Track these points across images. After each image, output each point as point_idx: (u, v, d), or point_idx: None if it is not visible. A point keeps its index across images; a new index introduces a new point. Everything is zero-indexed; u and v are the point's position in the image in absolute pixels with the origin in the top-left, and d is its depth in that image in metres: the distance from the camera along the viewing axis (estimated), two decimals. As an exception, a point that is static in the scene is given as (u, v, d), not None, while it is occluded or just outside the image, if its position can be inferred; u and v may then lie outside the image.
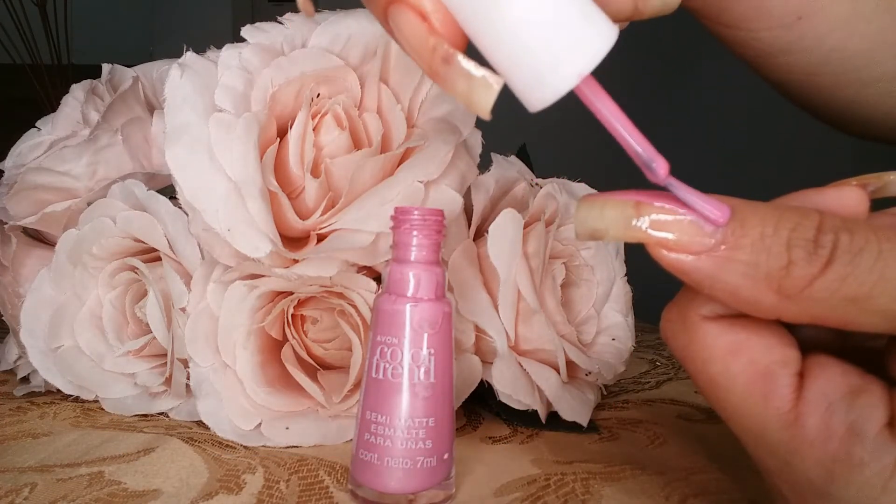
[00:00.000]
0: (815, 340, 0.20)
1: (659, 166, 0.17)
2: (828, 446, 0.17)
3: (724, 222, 0.17)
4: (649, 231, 0.17)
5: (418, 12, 0.18)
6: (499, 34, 0.17)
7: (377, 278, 0.32)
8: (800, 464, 0.17)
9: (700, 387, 0.19)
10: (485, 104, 0.17)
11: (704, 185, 0.18)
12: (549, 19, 0.16)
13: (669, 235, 0.17)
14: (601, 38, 0.17)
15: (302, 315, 0.35)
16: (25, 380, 0.40)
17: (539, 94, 0.17)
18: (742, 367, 0.18)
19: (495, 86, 0.17)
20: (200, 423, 0.34)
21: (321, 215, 0.32)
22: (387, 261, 0.27)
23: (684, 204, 0.17)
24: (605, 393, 0.41)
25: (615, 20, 0.18)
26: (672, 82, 1.87)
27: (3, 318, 0.40)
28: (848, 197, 0.19)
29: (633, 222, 0.18)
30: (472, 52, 0.18)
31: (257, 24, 0.34)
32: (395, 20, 0.18)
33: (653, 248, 0.18)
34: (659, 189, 0.18)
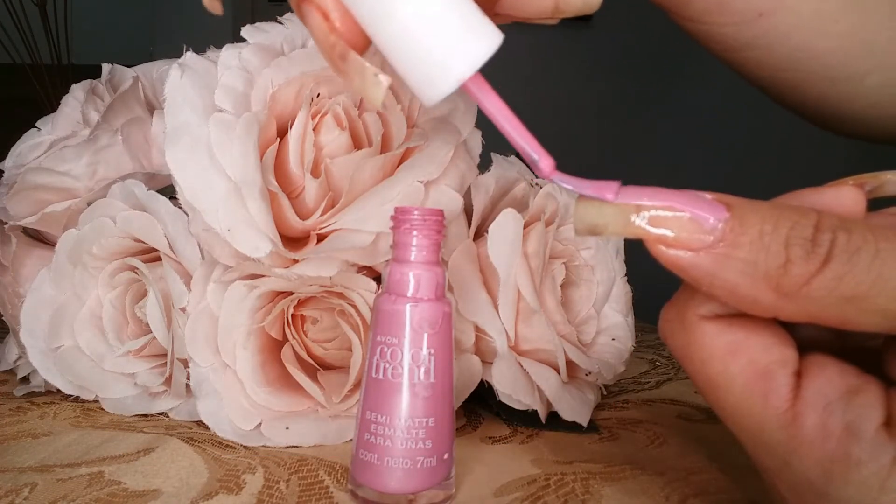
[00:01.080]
0: (813, 340, 0.20)
1: (543, 162, 0.19)
2: (826, 446, 0.17)
3: (613, 197, 0.18)
4: (648, 227, 0.17)
5: (321, 11, 0.19)
6: (390, 38, 0.19)
7: (377, 278, 0.32)
8: (798, 463, 0.17)
9: (699, 386, 0.19)
10: (375, 98, 0.19)
11: (703, 185, 0.18)
12: (431, 28, 0.18)
13: (668, 232, 0.17)
14: (483, 43, 0.19)
15: (302, 315, 0.35)
16: (25, 380, 0.40)
17: (428, 94, 0.19)
18: (740, 367, 0.18)
19: (384, 83, 0.19)
20: (200, 423, 0.34)
21: (321, 215, 0.32)
22: (387, 261, 0.27)
23: (678, 195, 0.18)
24: (605, 393, 0.41)
25: (537, 18, 0.20)
26: (671, 80, 1.87)
27: (3, 318, 0.40)
28: (845, 196, 0.19)
29: (633, 218, 0.18)
30: None
31: (257, 24, 0.34)
32: (303, 17, 0.20)
33: (651, 245, 0.18)
34: (658, 185, 0.18)
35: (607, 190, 0.18)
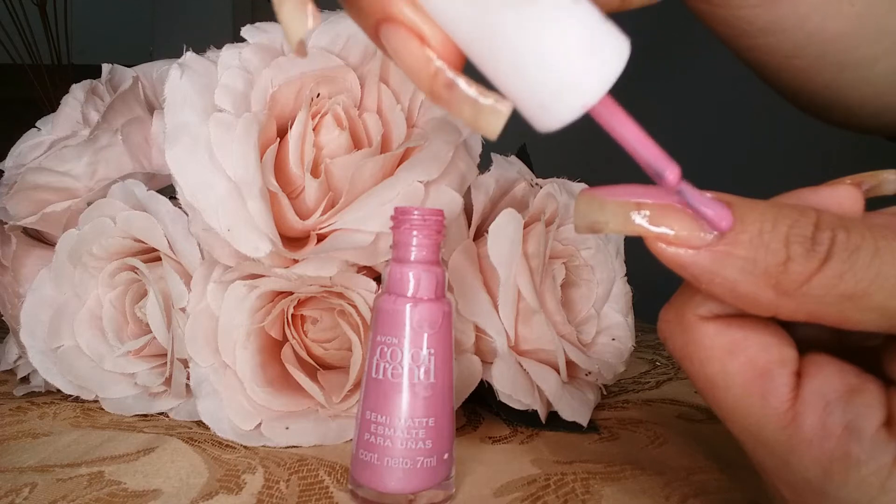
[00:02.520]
0: (812, 340, 0.20)
1: (670, 173, 0.17)
2: (825, 445, 0.17)
3: (728, 228, 0.17)
4: (648, 225, 0.18)
5: (416, 35, 0.16)
6: (502, 61, 0.16)
7: (377, 278, 0.32)
8: (797, 463, 0.17)
9: (698, 387, 0.19)
10: (493, 129, 0.16)
11: (703, 183, 0.18)
12: (554, 51, 0.16)
13: (669, 230, 0.17)
14: (609, 63, 0.16)
15: (302, 315, 0.35)
16: (25, 380, 0.40)
17: (546, 121, 0.16)
18: (740, 367, 0.18)
19: (504, 111, 0.16)
20: (200, 423, 0.34)
21: (321, 215, 0.32)
22: (387, 261, 0.27)
23: (679, 194, 0.17)
24: (605, 393, 0.41)
25: (604, 11, 0.17)
26: (671, 79, 1.87)
27: (3, 318, 0.40)
28: (843, 195, 0.19)
29: (633, 216, 0.18)
30: (471, 68, 0.17)
31: (257, 24, 0.34)
32: (389, 41, 0.17)
33: (651, 242, 0.18)
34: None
35: (725, 220, 0.17)
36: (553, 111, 0.16)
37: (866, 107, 0.34)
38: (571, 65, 0.16)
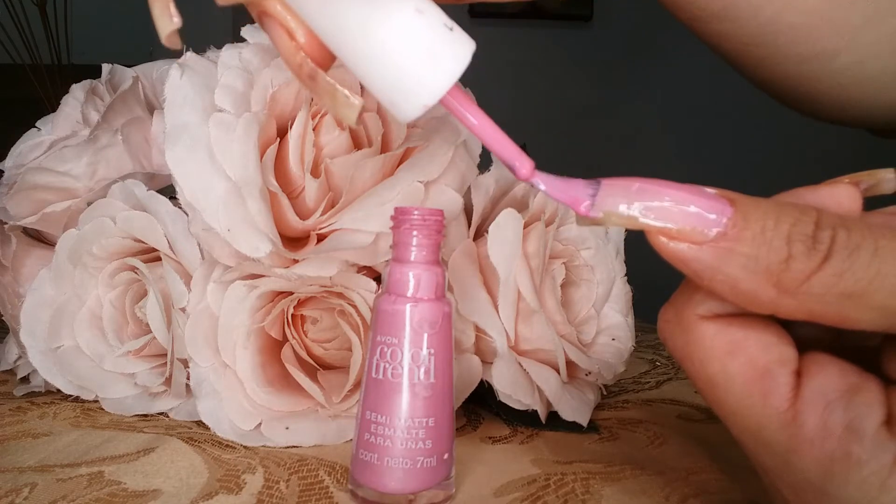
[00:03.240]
0: (812, 339, 0.20)
1: (521, 166, 0.19)
2: (826, 445, 0.17)
3: (586, 211, 0.18)
4: (651, 220, 0.18)
5: (285, 29, 0.18)
6: (358, 58, 0.18)
7: (377, 278, 0.32)
8: (798, 463, 0.17)
9: (698, 386, 0.19)
10: (349, 118, 0.18)
11: (703, 182, 0.18)
12: (401, 48, 0.18)
13: (671, 225, 0.17)
14: (456, 57, 0.18)
15: (302, 315, 0.35)
16: (25, 380, 0.40)
17: (400, 115, 0.19)
18: (740, 367, 0.18)
19: (357, 104, 0.18)
20: (200, 423, 0.34)
21: (321, 215, 0.32)
22: (387, 261, 0.27)
23: (683, 189, 0.18)
24: (605, 393, 0.41)
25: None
26: (671, 78, 1.87)
27: (3, 318, 0.40)
28: (841, 194, 0.19)
29: (636, 211, 0.18)
30: None
31: (257, 24, 0.34)
32: (267, 31, 0.19)
33: (653, 237, 0.18)
34: (665, 180, 0.18)
35: (581, 199, 0.18)
36: (400, 109, 0.18)
37: (831, 99, 0.34)
38: (411, 70, 0.18)
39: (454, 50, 0.18)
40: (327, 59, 0.19)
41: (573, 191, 0.18)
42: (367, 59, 0.18)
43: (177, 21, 0.18)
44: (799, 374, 0.18)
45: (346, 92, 0.18)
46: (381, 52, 0.18)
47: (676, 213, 0.17)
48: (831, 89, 0.33)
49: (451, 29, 0.18)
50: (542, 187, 0.19)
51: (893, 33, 0.31)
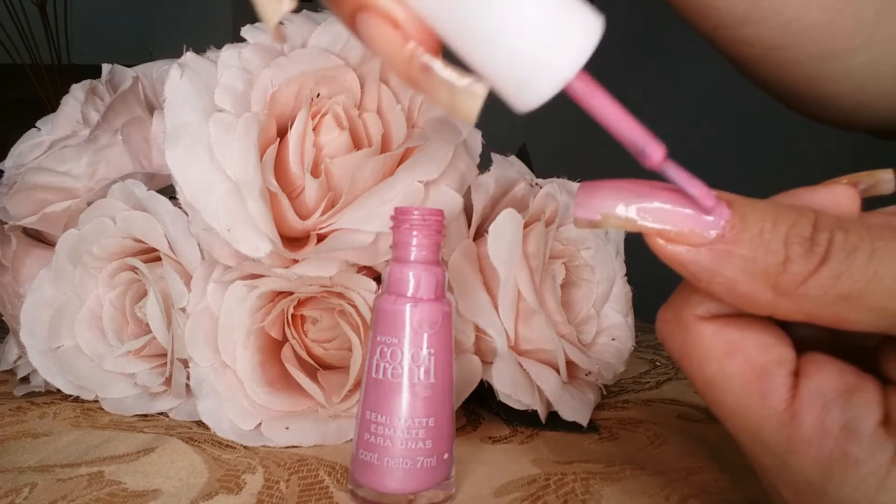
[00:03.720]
0: (810, 340, 0.20)
1: (653, 151, 0.17)
2: (824, 445, 0.17)
3: (712, 209, 0.17)
4: (649, 222, 0.18)
5: (390, 20, 0.16)
6: (477, 42, 0.16)
7: (377, 278, 0.33)
8: (796, 463, 0.17)
9: (696, 387, 0.19)
10: (470, 112, 0.17)
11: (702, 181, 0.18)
12: (527, 26, 0.16)
13: (669, 227, 0.17)
14: (581, 40, 0.16)
15: (302, 315, 0.35)
16: (25, 380, 0.40)
17: (524, 101, 0.17)
18: (738, 367, 0.18)
19: (480, 93, 0.16)
20: (200, 423, 0.34)
21: (321, 215, 0.32)
22: (387, 261, 0.27)
23: (680, 191, 0.17)
24: (605, 393, 0.41)
25: None
26: (671, 78, 1.87)
27: (3, 318, 0.40)
28: (840, 195, 0.19)
29: (634, 212, 0.18)
30: (449, 52, 0.17)
31: (257, 24, 0.34)
32: (365, 29, 0.17)
33: (651, 239, 0.18)
34: (661, 178, 0.18)
35: (711, 201, 0.17)
36: (529, 90, 0.16)
37: (845, 101, 0.34)
38: (544, 43, 0.16)
39: (584, 20, 0.16)
40: (437, 46, 0.17)
41: (701, 187, 0.17)
42: (487, 34, 0.16)
43: (482, 90, 0.16)
44: (797, 375, 0.18)
45: (469, 80, 0.16)
46: (508, 27, 0.16)
47: (674, 214, 0.17)
48: (848, 90, 0.33)
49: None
50: (674, 175, 0.17)
51: None
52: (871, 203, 0.20)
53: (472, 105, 0.16)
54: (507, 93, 0.17)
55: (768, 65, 0.34)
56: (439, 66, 0.16)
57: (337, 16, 0.17)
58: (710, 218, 0.17)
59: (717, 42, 0.34)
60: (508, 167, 0.38)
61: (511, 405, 0.34)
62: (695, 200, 0.17)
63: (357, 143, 0.34)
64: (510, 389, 0.33)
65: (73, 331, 0.36)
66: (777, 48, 0.32)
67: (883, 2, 0.31)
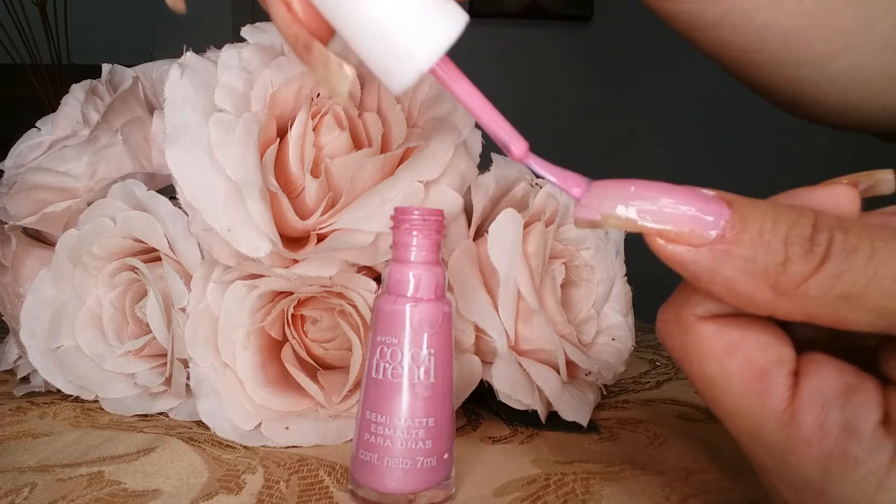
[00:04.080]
0: (810, 339, 0.20)
1: (515, 145, 0.19)
2: (824, 444, 0.17)
3: (580, 195, 0.18)
4: (649, 222, 0.18)
5: (283, 1, 0.19)
6: (352, 28, 0.19)
7: (377, 278, 0.33)
8: (796, 462, 0.17)
9: (696, 387, 0.19)
10: (340, 89, 0.19)
11: (702, 182, 0.18)
12: (393, 15, 0.18)
13: (669, 227, 0.17)
14: (447, 27, 0.19)
15: (302, 315, 0.35)
16: (25, 380, 0.40)
17: (394, 83, 0.19)
18: (738, 367, 0.18)
19: (349, 73, 0.19)
20: (200, 423, 0.34)
21: (321, 215, 0.32)
22: (387, 261, 0.27)
23: (680, 191, 0.18)
24: (605, 393, 0.41)
25: None
26: (671, 78, 1.87)
27: (3, 318, 0.40)
28: (840, 195, 0.19)
29: (634, 212, 0.18)
30: None
31: (257, 24, 0.34)
32: (266, 6, 0.20)
33: (651, 239, 0.18)
34: (661, 181, 0.18)
35: (574, 183, 0.19)
36: (395, 75, 0.19)
37: (830, 103, 0.34)
38: (405, 34, 0.18)
39: (447, 17, 0.19)
40: (325, 31, 0.20)
41: (567, 176, 0.19)
42: (362, 25, 0.19)
43: (350, 71, 0.19)
44: (797, 374, 0.18)
45: (339, 60, 0.19)
46: (375, 16, 0.18)
47: (674, 215, 0.17)
48: (830, 93, 0.33)
49: None
50: (536, 167, 0.19)
51: (888, 36, 0.31)
52: (872, 203, 0.20)
53: (342, 83, 0.19)
54: (380, 76, 0.19)
55: (746, 67, 0.34)
56: (317, 46, 0.19)
57: None
58: (710, 218, 0.17)
59: (693, 43, 0.34)
60: (508, 167, 0.38)
61: (511, 405, 0.34)
62: (565, 188, 0.19)
63: (357, 143, 0.34)
64: (510, 389, 0.33)
65: (73, 331, 0.36)
66: (752, 51, 0.32)
67: (863, 9, 0.31)
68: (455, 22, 0.19)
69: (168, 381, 0.35)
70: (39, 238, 0.41)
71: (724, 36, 0.32)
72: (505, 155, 0.20)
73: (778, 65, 0.33)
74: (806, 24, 0.31)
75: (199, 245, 0.33)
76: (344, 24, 0.19)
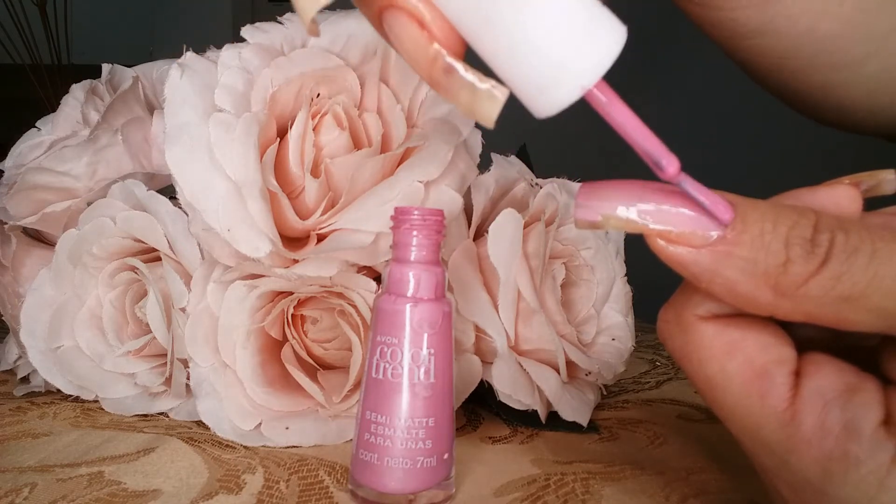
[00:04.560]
0: (810, 340, 0.20)
1: (669, 164, 0.17)
2: (824, 444, 0.17)
3: (728, 221, 0.17)
4: (650, 222, 0.18)
5: (416, 19, 0.17)
6: (500, 45, 0.16)
7: (377, 278, 0.33)
8: (797, 462, 0.17)
9: (697, 387, 0.19)
10: (489, 115, 0.16)
11: (702, 182, 0.18)
12: (551, 32, 0.16)
13: (670, 228, 0.17)
14: (606, 46, 0.16)
15: (302, 315, 0.35)
16: (25, 380, 0.40)
17: (543, 105, 0.17)
18: (738, 367, 0.18)
19: (500, 97, 0.16)
20: (200, 423, 0.34)
21: (321, 215, 0.32)
22: (387, 261, 0.27)
23: (680, 192, 0.17)
24: (605, 393, 0.41)
25: None
26: (671, 78, 1.87)
27: (3, 318, 0.40)
28: (841, 196, 0.19)
29: (634, 213, 0.18)
30: (471, 55, 0.17)
31: (257, 24, 0.34)
32: (391, 26, 0.17)
33: (652, 240, 0.18)
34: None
35: (724, 210, 0.17)
36: (550, 95, 0.16)
37: (859, 107, 0.34)
38: (567, 48, 0.16)
39: (609, 27, 0.16)
40: (460, 48, 0.17)
41: (718, 201, 0.17)
42: (515, 35, 0.16)
43: (502, 94, 0.16)
44: (797, 374, 0.18)
45: (490, 83, 0.16)
46: (531, 31, 0.16)
47: (675, 216, 0.17)
48: (861, 97, 0.34)
49: (603, 6, 0.16)
50: (689, 189, 0.17)
51: None
52: (873, 203, 0.20)
53: (492, 109, 0.16)
54: (526, 97, 0.17)
55: (781, 73, 0.34)
56: (461, 69, 0.16)
57: (365, 14, 0.17)
58: (711, 205, 0.17)
59: (730, 51, 0.34)
60: (508, 167, 0.38)
61: (511, 405, 0.34)
62: (711, 213, 0.17)
63: (357, 143, 0.34)
64: (510, 389, 0.33)
65: (73, 331, 0.36)
66: (790, 58, 0.32)
67: (895, 11, 0.31)
68: (618, 31, 0.16)
69: (168, 381, 0.35)
70: (39, 238, 0.41)
71: (764, 42, 0.32)
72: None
73: (815, 70, 0.33)
74: (845, 27, 0.31)
75: (199, 245, 0.33)
76: (486, 38, 0.16)
